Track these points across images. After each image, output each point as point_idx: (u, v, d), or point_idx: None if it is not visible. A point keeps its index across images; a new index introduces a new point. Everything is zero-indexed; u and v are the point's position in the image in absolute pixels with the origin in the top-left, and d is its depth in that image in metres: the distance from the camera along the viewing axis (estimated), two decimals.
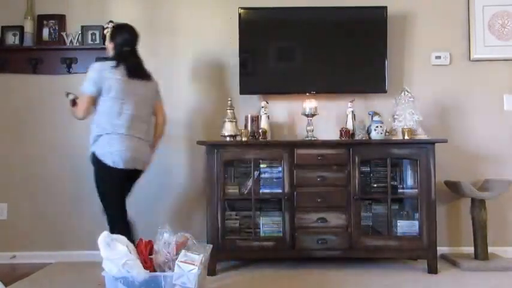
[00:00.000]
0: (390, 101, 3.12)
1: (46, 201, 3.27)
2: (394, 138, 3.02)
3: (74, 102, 2.62)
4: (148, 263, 2.15)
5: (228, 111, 3.02)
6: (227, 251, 2.85)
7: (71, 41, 3.30)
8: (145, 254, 2.17)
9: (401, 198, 3.07)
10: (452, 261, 3.03)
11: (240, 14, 3.20)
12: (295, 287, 2.62)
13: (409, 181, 3.03)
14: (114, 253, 2.08)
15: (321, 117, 3.17)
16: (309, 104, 3.05)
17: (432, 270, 2.81)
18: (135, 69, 2.58)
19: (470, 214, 3.04)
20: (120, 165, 2.48)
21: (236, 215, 2.98)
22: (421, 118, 3.02)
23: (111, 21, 2.81)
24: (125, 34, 2.64)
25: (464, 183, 2.96)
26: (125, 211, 2.59)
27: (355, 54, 3.22)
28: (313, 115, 3.05)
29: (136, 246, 2.19)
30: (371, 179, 3.02)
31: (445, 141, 2.92)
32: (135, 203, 3.27)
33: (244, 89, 3.21)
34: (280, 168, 2.91)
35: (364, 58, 3.22)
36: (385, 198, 2.93)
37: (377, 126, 2.98)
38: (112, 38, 2.66)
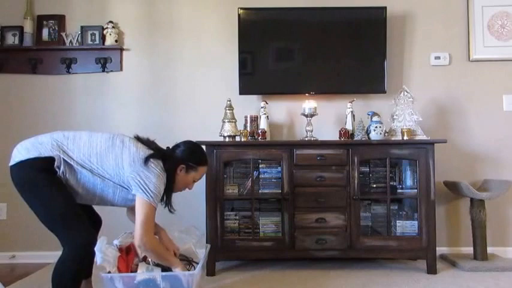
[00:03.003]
0: (389, 102, 3.13)
1: None
2: (393, 138, 3.01)
3: None
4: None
5: (227, 111, 3.02)
6: (226, 251, 2.85)
7: (71, 41, 3.30)
8: (130, 265, 2.11)
9: (400, 199, 3.07)
10: (451, 261, 3.04)
11: (239, 15, 3.20)
12: (295, 287, 2.62)
13: (409, 181, 3.03)
14: (109, 258, 2.07)
15: (320, 117, 3.17)
16: (308, 104, 3.05)
17: (431, 270, 2.81)
18: None
19: (470, 214, 3.04)
20: None
21: (235, 215, 2.98)
22: (420, 118, 3.03)
23: None
24: None
25: (464, 184, 2.95)
26: None
27: (355, 55, 3.22)
28: (312, 115, 3.06)
29: (118, 264, 2.07)
30: (370, 179, 3.03)
31: (444, 141, 2.92)
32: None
33: (244, 89, 3.21)
34: (279, 169, 2.91)
35: (364, 58, 3.22)
36: (385, 198, 2.94)
37: (376, 127, 2.98)
38: None
